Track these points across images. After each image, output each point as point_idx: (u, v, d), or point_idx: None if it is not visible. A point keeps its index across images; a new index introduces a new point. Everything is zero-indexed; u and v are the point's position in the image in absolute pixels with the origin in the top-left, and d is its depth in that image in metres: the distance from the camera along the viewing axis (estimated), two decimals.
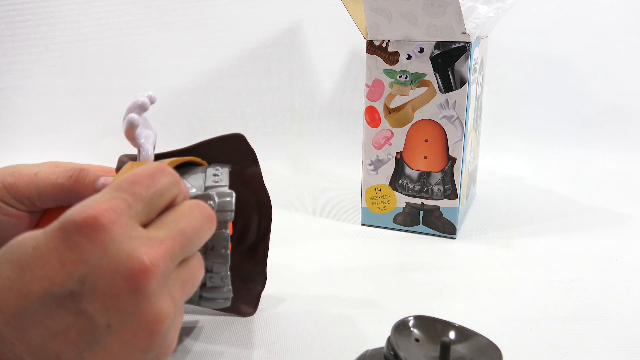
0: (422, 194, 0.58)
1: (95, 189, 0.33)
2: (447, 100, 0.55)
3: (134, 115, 0.33)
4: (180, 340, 0.40)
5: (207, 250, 0.33)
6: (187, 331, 0.41)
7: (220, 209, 0.33)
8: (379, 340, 0.40)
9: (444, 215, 0.58)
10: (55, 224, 0.24)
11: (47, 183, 0.33)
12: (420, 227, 0.59)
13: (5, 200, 0.33)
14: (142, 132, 0.34)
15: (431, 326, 0.32)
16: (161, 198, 0.26)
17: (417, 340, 0.31)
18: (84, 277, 0.23)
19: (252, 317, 0.43)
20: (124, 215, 0.24)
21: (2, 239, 0.32)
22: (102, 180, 0.33)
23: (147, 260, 0.23)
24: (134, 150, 0.35)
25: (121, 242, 0.23)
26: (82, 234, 0.23)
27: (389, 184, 0.60)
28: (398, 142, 0.58)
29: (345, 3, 0.58)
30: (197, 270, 0.27)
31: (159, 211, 0.26)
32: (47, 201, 0.34)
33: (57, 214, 0.34)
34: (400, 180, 0.59)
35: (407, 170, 0.58)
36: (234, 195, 0.33)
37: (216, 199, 0.33)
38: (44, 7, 0.83)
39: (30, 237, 0.24)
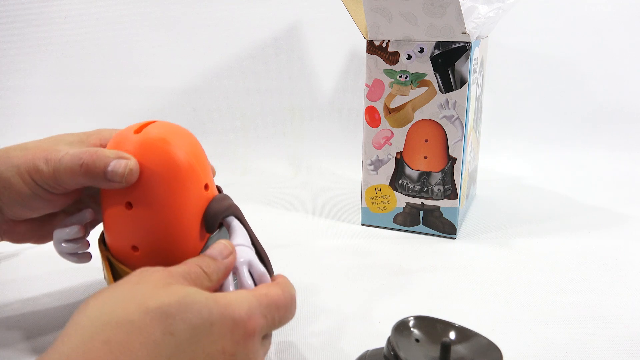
0: (422, 194, 0.58)
1: (106, 177, 0.34)
2: (447, 100, 0.55)
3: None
4: None
5: None
6: None
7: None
8: (379, 340, 0.40)
9: (444, 215, 0.58)
10: (230, 313, 0.29)
11: (66, 168, 0.35)
12: (420, 227, 0.59)
13: (37, 182, 0.35)
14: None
15: (431, 326, 0.32)
16: (280, 326, 0.33)
17: (417, 340, 0.31)
18: None
19: None
20: (261, 334, 0.31)
21: (36, 209, 0.37)
22: (111, 167, 0.34)
23: None
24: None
25: (255, 351, 0.30)
26: (242, 337, 0.29)
27: (389, 184, 0.60)
28: (398, 142, 0.58)
29: (345, 3, 0.58)
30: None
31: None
32: (70, 186, 0.36)
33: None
34: (401, 180, 0.59)
35: (407, 170, 0.58)
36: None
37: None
38: (44, 7, 0.83)
39: (208, 311, 0.28)
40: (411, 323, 0.32)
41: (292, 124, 0.88)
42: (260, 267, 0.36)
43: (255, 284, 0.35)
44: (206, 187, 0.37)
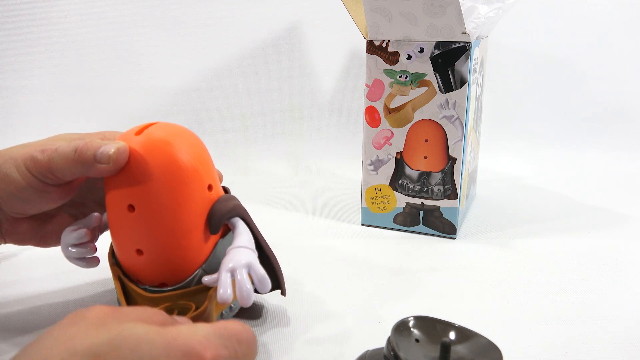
0: (422, 194, 0.58)
1: (95, 159, 0.34)
2: (447, 100, 0.55)
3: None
4: None
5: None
6: None
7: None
8: (379, 340, 0.40)
9: (444, 216, 0.58)
10: (178, 344, 0.25)
11: (61, 155, 0.35)
12: (420, 227, 0.59)
13: (33, 173, 0.36)
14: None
15: (431, 326, 0.32)
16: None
17: (417, 340, 0.31)
18: None
19: (251, 317, 0.43)
20: None
21: (35, 203, 0.37)
22: (101, 149, 0.34)
23: None
24: None
25: None
26: None
27: (389, 184, 0.60)
28: (398, 142, 0.58)
29: (345, 3, 0.58)
30: None
31: None
32: (64, 175, 0.36)
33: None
34: (400, 180, 0.59)
35: (407, 170, 0.58)
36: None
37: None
38: (44, 7, 0.83)
39: (148, 345, 0.25)
40: (411, 323, 0.32)
41: (292, 124, 0.88)
42: (261, 271, 0.35)
43: (255, 289, 0.35)
44: (210, 187, 0.36)
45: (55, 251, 0.54)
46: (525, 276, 0.50)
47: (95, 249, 0.41)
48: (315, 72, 0.88)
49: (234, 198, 0.38)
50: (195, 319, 0.35)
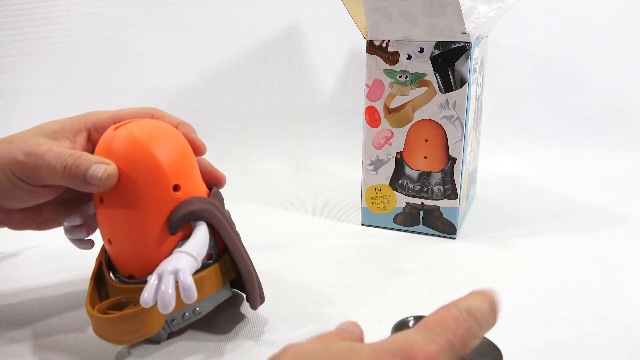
0: (422, 194, 0.58)
1: (85, 180, 0.34)
2: (447, 100, 0.55)
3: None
4: (177, 339, 0.40)
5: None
6: (185, 331, 0.41)
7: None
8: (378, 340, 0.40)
9: (444, 216, 0.58)
10: (383, 348, 0.24)
11: (49, 167, 0.35)
12: (420, 227, 0.59)
13: (18, 175, 0.35)
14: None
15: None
16: (465, 349, 0.26)
17: None
18: None
19: (251, 317, 0.43)
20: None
21: (24, 201, 0.37)
22: (90, 171, 0.34)
23: None
24: None
25: None
26: None
27: (389, 184, 0.60)
28: (398, 142, 0.58)
29: (345, 3, 0.58)
30: None
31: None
32: (50, 183, 0.36)
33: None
34: (400, 180, 0.59)
35: (407, 170, 0.58)
36: None
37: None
38: (44, 7, 0.83)
39: (357, 350, 0.24)
40: (411, 323, 0.32)
41: (292, 124, 0.88)
42: (187, 279, 0.33)
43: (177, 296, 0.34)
44: (176, 187, 0.36)
45: (55, 250, 0.54)
46: (525, 276, 0.50)
47: (87, 233, 0.42)
48: (315, 72, 0.88)
49: (208, 201, 0.38)
50: (131, 317, 0.35)
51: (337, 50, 0.88)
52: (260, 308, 0.44)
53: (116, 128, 0.36)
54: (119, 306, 0.37)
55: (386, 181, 0.60)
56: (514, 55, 0.90)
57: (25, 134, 0.37)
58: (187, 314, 0.38)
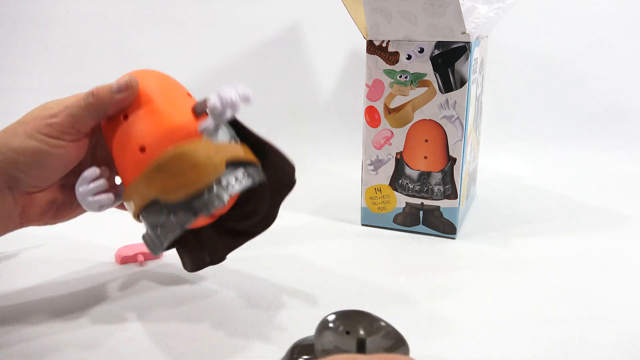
0: (422, 194, 0.58)
1: (115, 90, 0.38)
2: (447, 100, 0.55)
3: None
4: (177, 339, 0.40)
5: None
6: (185, 330, 0.41)
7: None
8: None
9: (444, 216, 0.58)
10: None
11: (79, 109, 0.38)
12: (420, 227, 0.59)
13: (52, 135, 0.38)
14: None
15: (357, 320, 0.34)
16: None
17: (347, 332, 0.33)
18: None
19: (251, 317, 0.43)
20: None
21: (55, 168, 0.39)
22: (115, 83, 0.38)
23: None
24: None
25: None
26: None
27: (389, 184, 0.60)
28: (398, 142, 0.58)
29: (345, 3, 0.58)
30: None
31: None
32: (87, 123, 0.39)
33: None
34: (400, 180, 0.59)
35: (407, 170, 0.58)
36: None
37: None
38: (44, 7, 0.83)
39: None
40: (338, 316, 0.34)
41: (292, 124, 0.88)
42: (246, 88, 0.38)
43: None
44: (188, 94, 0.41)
45: (54, 252, 0.54)
46: (525, 276, 0.50)
47: (114, 197, 0.40)
48: (315, 72, 0.88)
49: None
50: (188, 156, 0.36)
51: (337, 50, 0.88)
52: (260, 308, 0.44)
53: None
54: None
55: (386, 181, 0.60)
56: (514, 55, 0.90)
57: (18, 121, 0.39)
58: (239, 175, 0.37)
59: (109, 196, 0.40)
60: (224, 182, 0.36)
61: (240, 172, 0.37)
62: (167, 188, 0.36)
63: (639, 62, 0.90)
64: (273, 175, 0.42)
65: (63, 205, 0.42)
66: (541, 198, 0.72)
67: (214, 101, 0.37)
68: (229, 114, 0.37)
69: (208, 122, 0.37)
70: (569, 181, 0.78)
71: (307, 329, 0.41)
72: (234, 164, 0.37)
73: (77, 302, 0.45)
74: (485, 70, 0.66)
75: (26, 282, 0.48)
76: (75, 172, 0.41)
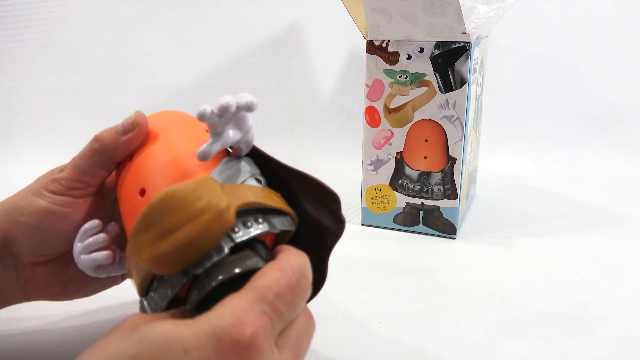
0: (422, 194, 0.58)
1: (120, 133, 0.34)
2: (447, 100, 0.55)
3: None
4: None
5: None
6: None
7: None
8: (379, 340, 0.40)
9: (444, 216, 0.58)
10: (208, 330, 0.24)
11: (85, 159, 0.34)
12: (420, 227, 0.59)
13: (58, 192, 0.34)
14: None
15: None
16: (294, 314, 0.26)
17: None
18: None
19: None
20: (270, 337, 0.25)
21: (61, 231, 0.34)
22: (120, 125, 0.34)
23: None
24: None
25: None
26: (237, 352, 0.23)
27: (389, 184, 0.60)
28: (398, 142, 0.58)
29: (345, 3, 0.58)
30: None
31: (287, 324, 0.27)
32: (95, 173, 0.35)
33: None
34: (400, 180, 0.59)
35: (407, 170, 0.58)
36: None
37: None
38: (44, 7, 0.83)
39: (177, 338, 0.23)
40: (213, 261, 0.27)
41: (292, 124, 0.88)
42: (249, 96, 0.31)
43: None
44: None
45: None
46: (525, 276, 0.50)
47: (112, 255, 0.35)
48: (315, 72, 0.88)
49: None
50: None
51: (337, 50, 0.88)
52: None
53: None
54: None
55: (386, 181, 0.60)
56: (514, 55, 0.90)
57: (32, 184, 0.35)
58: (250, 222, 0.29)
59: (107, 254, 0.34)
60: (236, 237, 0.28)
61: (251, 218, 0.29)
62: (154, 253, 0.26)
63: (639, 62, 0.90)
64: (311, 224, 0.33)
65: (74, 279, 0.37)
66: (541, 198, 0.72)
67: (210, 108, 0.29)
68: (234, 138, 0.30)
69: (207, 143, 0.30)
70: (569, 181, 0.78)
71: None
72: (251, 212, 0.29)
73: (77, 303, 0.45)
74: (485, 70, 0.66)
75: None
76: None
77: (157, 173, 0.31)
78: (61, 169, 0.35)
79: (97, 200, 0.36)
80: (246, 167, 0.32)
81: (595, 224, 0.63)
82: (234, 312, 0.24)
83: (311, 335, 0.28)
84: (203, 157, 0.30)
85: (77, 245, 0.34)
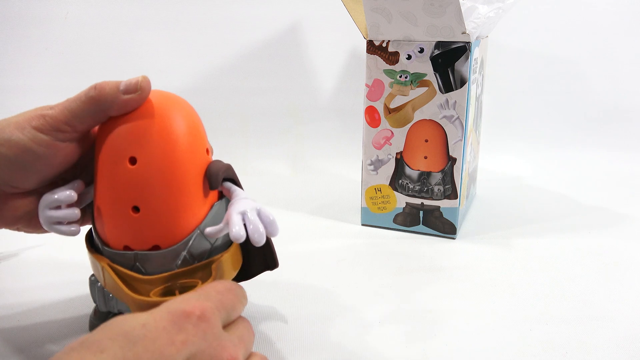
0: (422, 194, 0.58)
1: (122, 90, 0.34)
2: (447, 100, 0.55)
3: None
4: None
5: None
6: None
7: None
8: (379, 340, 0.40)
9: (444, 216, 0.58)
10: (162, 308, 0.28)
11: (79, 102, 0.34)
12: (420, 227, 0.59)
13: (43, 129, 0.34)
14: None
15: None
16: (234, 312, 0.31)
17: None
18: (191, 356, 0.27)
19: (250, 316, 0.43)
20: (215, 315, 0.29)
21: (38, 170, 0.35)
22: (123, 83, 0.34)
23: (234, 354, 0.29)
24: None
25: (216, 335, 0.28)
26: (190, 321, 0.28)
27: (389, 184, 0.60)
28: (398, 142, 0.58)
29: (345, 3, 0.58)
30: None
31: (229, 322, 0.31)
32: (85, 120, 0.34)
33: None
34: (400, 180, 0.59)
35: (407, 170, 0.58)
36: None
37: None
38: (44, 7, 0.83)
39: (135, 316, 0.27)
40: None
41: (292, 124, 0.88)
42: (270, 214, 0.34)
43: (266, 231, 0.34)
44: (207, 151, 0.37)
45: (54, 252, 0.54)
46: (525, 276, 0.50)
47: (79, 214, 0.37)
48: (315, 72, 0.88)
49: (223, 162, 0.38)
50: None
51: (337, 50, 0.88)
52: (260, 308, 0.44)
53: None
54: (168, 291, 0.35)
55: (386, 181, 0.60)
56: (514, 55, 0.90)
57: (18, 115, 0.35)
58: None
59: (75, 229, 0.37)
60: None
61: None
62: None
63: (639, 62, 0.90)
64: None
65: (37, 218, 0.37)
66: (541, 198, 0.72)
67: (237, 231, 0.33)
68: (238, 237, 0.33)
69: (215, 230, 0.35)
70: (569, 181, 0.78)
71: (306, 329, 0.41)
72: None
73: (78, 303, 0.45)
74: (485, 70, 0.66)
75: (26, 283, 0.48)
76: (59, 182, 0.37)
77: (153, 151, 0.34)
78: (51, 107, 0.34)
79: (76, 149, 0.35)
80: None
81: (595, 224, 0.63)
82: (183, 298, 0.29)
83: (250, 342, 0.32)
84: (209, 235, 0.35)
85: (47, 213, 0.36)
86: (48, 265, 0.51)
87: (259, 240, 0.33)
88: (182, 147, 0.34)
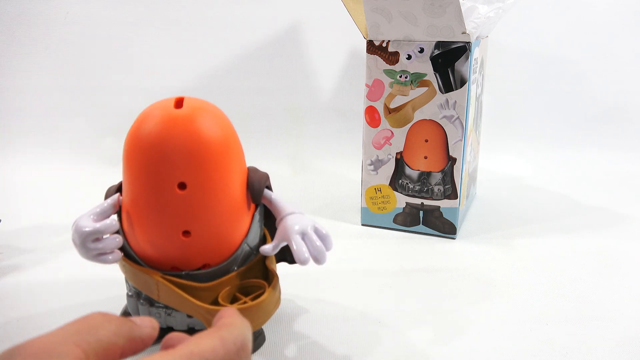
0: (422, 194, 0.58)
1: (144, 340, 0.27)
2: (447, 100, 0.55)
3: None
4: None
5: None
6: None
7: None
8: (379, 340, 0.40)
9: (444, 216, 0.58)
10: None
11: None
12: (420, 227, 0.59)
13: None
14: None
15: None
16: None
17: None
18: None
19: None
20: None
21: None
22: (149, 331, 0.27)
23: None
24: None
25: None
26: None
27: (389, 184, 0.60)
28: (398, 142, 0.58)
29: (345, 3, 0.58)
30: None
31: None
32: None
33: None
34: (400, 180, 0.59)
35: (407, 170, 0.58)
36: None
37: None
38: (44, 7, 0.83)
39: None
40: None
41: (292, 124, 0.88)
42: (324, 230, 0.36)
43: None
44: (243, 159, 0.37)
45: (54, 252, 0.54)
46: (525, 276, 0.50)
47: (122, 241, 0.35)
48: (315, 72, 0.88)
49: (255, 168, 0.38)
50: (267, 302, 0.34)
51: (337, 50, 0.88)
52: None
53: (177, 106, 0.33)
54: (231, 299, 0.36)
55: (386, 181, 0.60)
56: (514, 55, 0.90)
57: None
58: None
59: (114, 257, 0.35)
60: None
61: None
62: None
63: (639, 62, 0.90)
64: None
65: None
66: (541, 198, 0.72)
67: (304, 257, 0.34)
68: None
69: (271, 248, 0.36)
70: (569, 181, 0.78)
71: (306, 329, 0.41)
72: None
73: (78, 304, 0.45)
74: (485, 70, 0.66)
75: (26, 283, 0.48)
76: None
77: (203, 175, 0.33)
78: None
79: None
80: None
81: (595, 224, 0.63)
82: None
83: None
84: (265, 253, 0.36)
85: (89, 246, 0.34)
86: (48, 266, 0.51)
87: (322, 262, 0.34)
88: (230, 167, 0.34)
